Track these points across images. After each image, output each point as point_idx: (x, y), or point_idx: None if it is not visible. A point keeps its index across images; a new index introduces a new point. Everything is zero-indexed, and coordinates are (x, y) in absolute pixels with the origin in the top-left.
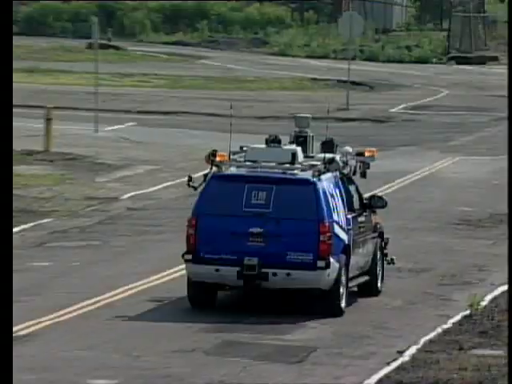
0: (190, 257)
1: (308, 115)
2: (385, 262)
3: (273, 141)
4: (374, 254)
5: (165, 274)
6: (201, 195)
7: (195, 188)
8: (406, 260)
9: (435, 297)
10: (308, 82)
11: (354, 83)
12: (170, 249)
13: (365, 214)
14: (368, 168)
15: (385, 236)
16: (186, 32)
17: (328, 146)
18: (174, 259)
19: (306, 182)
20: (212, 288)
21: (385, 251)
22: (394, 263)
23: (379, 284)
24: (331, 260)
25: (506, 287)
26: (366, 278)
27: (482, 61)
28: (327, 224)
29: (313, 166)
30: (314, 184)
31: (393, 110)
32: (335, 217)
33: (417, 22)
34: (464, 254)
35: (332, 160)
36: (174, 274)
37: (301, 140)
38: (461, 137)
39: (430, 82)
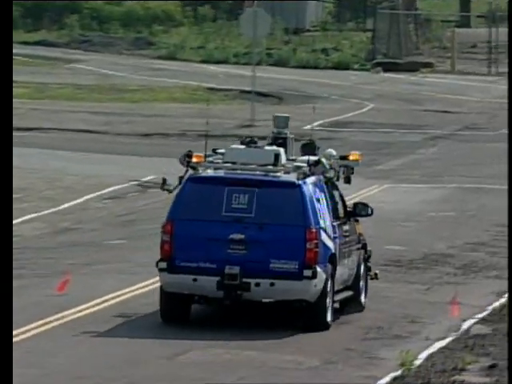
0: (164, 265)
1: (287, 115)
2: (368, 277)
3: (249, 143)
4: (358, 267)
5: (27, 328)
6: (176, 199)
7: (170, 191)
8: None
9: (359, 354)
10: (204, 93)
11: (259, 94)
12: (33, 296)
13: (349, 222)
14: (352, 173)
15: (367, 248)
16: (51, 29)
17: (309, 148)
18: (40, 307)
19: (291, 184)
20: (187, 300)
21: (368, 264)
22: (377, 278)
23: (363, 300)
24: (318, 269)
25: (443, 342)
26: (350, 293)
27: (413, 68)
28: (314, 230)
29: (298, 167)
30: (300, 187)
31: (307, 127)
32: (322, 223)
33: (335, 20)
34: (393, 302)
35: (318, 162)
36: (39, 329)
37: (280, 142)
38: (389, 160)
39: (352, 93)
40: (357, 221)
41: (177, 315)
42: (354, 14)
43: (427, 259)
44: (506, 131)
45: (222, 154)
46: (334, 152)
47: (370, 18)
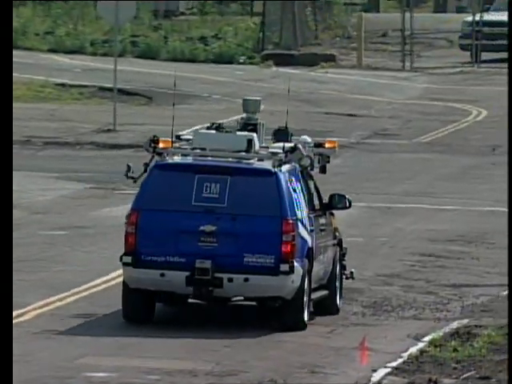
0: (129, 259)
1: (258, 98)
2: (343, 276)
3: (217, 128)
4: (334, 265)
5: None
6: (142, 188)
7: (135, 179)
8: (203, 357)
9: None
10: (53, 90)
11: (123, 92)
12: None
13: (324, 215)
14: (328, 162)
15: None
16: None
17: (282, 134)
18: None
19: (266, 172)
20: (152, 298)
21: (343, 263)
22: (353, 278)
23: (338, 301)
24: (295, 264)
25: None
26: (325, 292)
27: (311, 61)
28: (291, 222)
29: (273, 154)
30: (276, 175)
31: (182, 133)
32: (298, 214)
33: (216, 1)
34: (288, 348)
35: (294, 148)
36: None
37: (250, 128)
38: None
39: (237, 91)
40: (332, 214)
41: (140, 314)
42: None
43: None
44: (422, 140)
45: (188, 139)
46: (308, 139)
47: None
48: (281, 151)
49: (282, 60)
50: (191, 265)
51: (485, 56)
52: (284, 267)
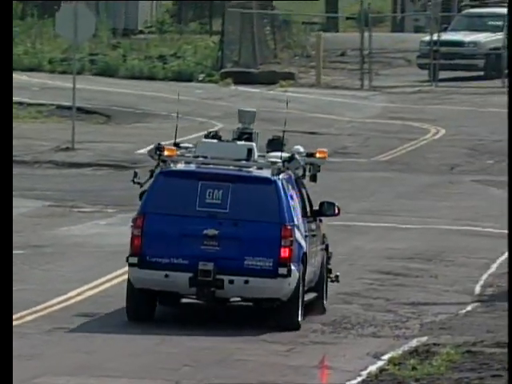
0: (135, 260)
1: (253, 109)
2: (329, 280)
3: (213, 137)
4: (322, 269)
5: None
6: (148, 193)
7: (141, 185)
8: (163, 376)
9: None
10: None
11: (81, 110)
12: None
13: (315, 221)
14: (318, 171)
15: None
16: None
17: (275, 144)
18: None
19: (266, 180)
20: (154, 298)
21: (329, 266)
22: (338, 281)
23: (325, 302)
24: (292, 267)
25: None
26: (315, 295)
27: (270, 79)
28: (289, 227)
29: (273, 163)
30: (275, 183)
31: (141, 151)
32: (295, 220)
33: (175, 20)
34: (247, 367)
35: (292, 158)
36: None
37: (245, 137)
38: None
39: (197, 109)
40: (320, 221)
41: (144, 313)
42: (198, 13)
43: None
44: (381, 158)
45: (186, 147)
46: (301, 149)
47: (218, 19)
48: (279, 160)
49: (241, 78)
50: (194, 266)
51: (442, 75)
52: (282, 270)
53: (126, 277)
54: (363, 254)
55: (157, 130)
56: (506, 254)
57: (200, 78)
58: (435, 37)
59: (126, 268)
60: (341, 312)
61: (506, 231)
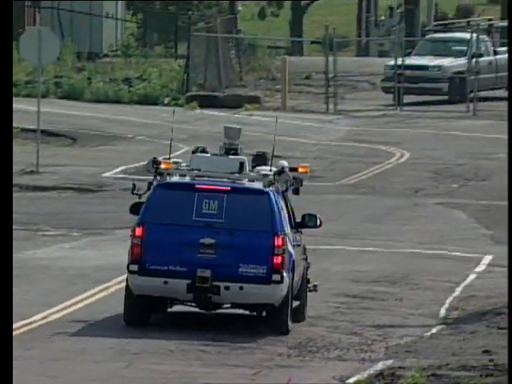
0: (135, 268)
1: (238, 126)
2: (307, 289)
3: (202, 152)
4: (303, 278)
5: None
6: (147, 204)
7: (140, 196)
8: None
9: None
10: None
11: (46, 133)
12: None
13: (298, 232)
14: (301, 185)
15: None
16: None
17: (260, 159)
18: None
19: (259, 191)
20: (152, 304)
21: (308, 276)
22: (316, 290)
23: (306, 310)
24: (284, 274)
25: None
26: (298, 302)
27: (236, 103)
28: (282, 237)
29: (265, 176)
30: (268, 194)
31: (106, 175)
32: (286, 230)
33: (140, 43)
34: None
35: (282, 171)
36: None
37: (232, 153)
38: None
39: (162, 132)
40: (301, 232)
41: (141, 318)
42: (163, 36)
43: (255, 337)
44: (346, 181)
45: (176, 162)
46: (285, 163)
47: (183, 42)
48: (270, 173)
49: (207, 102)
50: (192, 274)
51: (407, 99)
52: (276, 277)
53: (91, 300)
54: (329, 277)
55: (122, 152)
56: (471, 277)
57: (165, 102)
58: (399, 61)
59: (91, 291)
60: (306, 335)
61: (470, 254)
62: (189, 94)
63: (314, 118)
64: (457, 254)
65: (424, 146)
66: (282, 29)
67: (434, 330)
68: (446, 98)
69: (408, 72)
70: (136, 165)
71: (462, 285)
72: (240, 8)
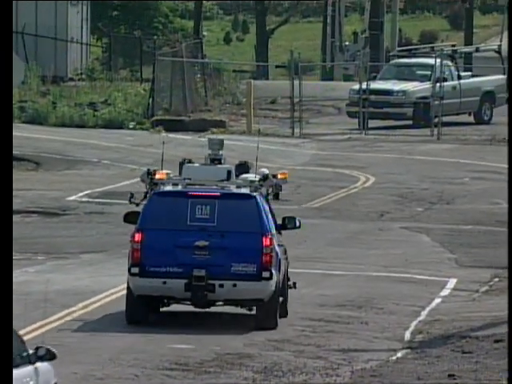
0: (136, 270)
1: (221, 138)
2: (287, 286)
3: (189, 163)
4: (285, 276)
5: None
6: (144, 211)
7: (137, 204)
8: None
9: None
10: None
11: None
12: None
13: (279, 233)
14: (281, 190)
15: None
16: None
17: (243, 167)
18: None
19: (247, 196)
20: (151, 304)
21: (288, 275)
22: (295, 287)
23: (287, 306)
24: (273, 271)
25: None
26: (282, 298)
27: (201, 127)
28: (270, 237)
29: (251, 182)
30: (255, 198)
31: (71, 199)
32: (272, 231)
33: (105, 68)
34: None
35: (266, 177)
36: None
37: (216, 162)
38: None
39: (127, 156)
40: (280, 233)
41: (142, 317)
42: (128, 60)
43: (220, 360)
44: (312, 205)
45: (168, 172)
46: (266, 171)
47: (148, 66)
48: (256, 179)
49: (172, 126)
50: (189, 273)
51: (372, 123)
52: (265, 274)
53: (57, 323)
54: (294, 301)
55: (87, 177)
56: (436, 301)
57: (130, 126)
58: (364, 85)
59: (58, 315)
60: (272, 359)
61: (435, 278)
62: (154, 118)
63: (280, 142)
64: (422, 277)
65: (389, 170)
66: (248, 53)
67: (399, 354)
68: (411, 122)
69: (373, 97)
70: (101, 189)
71: (427, 308)
72: (205, 33)
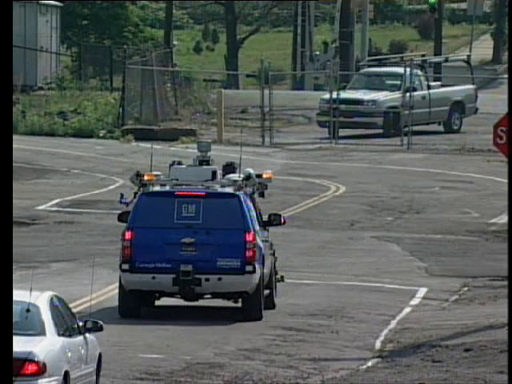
0: (127, 267)
1: (209, 140)
2: (275, 279)
3: (178, 164)
4: (271, 270)
5: None
6: (134, 211)
7: (127, 204)
8: None
9: None
10: None
11: None
12: None
13: (265, 230)
14: (266, 189)
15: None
16: None
17: (229, 168)
18: None
19: (231, 195)
20: (142, 298)
21: (275, 269)
22: (283, 281)
23: (275, 299)
24: (256, 265)
25: None
26: (267, 291)
27: (172, 136)
28: (252, 233)
29: (235, 181)
30: (238, 197)
31: (40, 208)
32: (255, 227)
33: (75, 76)
34: None
35: (249, 177)
36: None
37: (204, 164)
38: None
39: (98, 166)
40: (267, 230)
41: (134, 311)
42: (98, 69)
43: (190, 370)
44: (283, 214)
45: (156, 175)
46: (251, 171)
47: (118, 75)
48: (239, 179)
49: (143, 135)
50: (176, 269)
51: (342, 132)
52: (248, 268)
53: None
54: (265, 310)
55: (57, 186)
56: (406, 310)
57: (101, 135)
58: (334, 95)
59: None
60: (242, 368)
61: (405, 287)
62: (124, 127)
63: (250, 151)
64: (392, 286)
65: (359, 179)
66: (218, 63)
67: (369, 363)
68: (381, 131)
69: (343, 106)
70: (71, 198)
71: (397, 317)
72: (175, 42)
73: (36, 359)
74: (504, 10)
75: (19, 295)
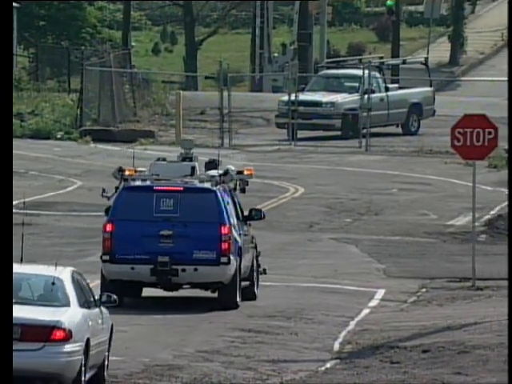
0: (107, 257)
1: (192, 138)
2: (258, 272)
3: (163, 160)
4: (252, 262)
5: None
6: (115, 204)
7: (108, 198)
8: None
9: None
10: None
11: None
12: None
13: (246, 224)
14: (247, 185)
15: (257, 249)
16: None
17: (211, 165)
18: None
19: (207, 190)
20: (126, 289)
21: (258, 262)
22: (266, 273)
23: (256, 290)
24: (231, 257)
25: None
26: (247, 283)
27: (130, 137)
28: (227, 226)
29: (212, 177)
30: (215, 192)
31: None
32: (232, 221)
33: (32, 77)
34: None
35: (226, 172)
36: None
37: (187, 160)
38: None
39: (55, 167)
40: (249, 225)
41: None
42: (56, 71)
43: (149, 372)
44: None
45: (141, 171)
46: (232, 167)
47: (76, 76)
48: (217, 175)
49: (101, 136)
50: (154, 260)
51: (301, 134)
52: (223, 259)
53: None
54: (224, 312)
55: (14, 187)
56: (365, 311)
57: (58, 136)
58: (293, 97)
59: None
60: (201, 370)
61: (364, 289)
62: (82, 128)
63: (209, 153)
64: (350, 288)
65: (318, 181)
66: (176, 64)
67: (328, 365)
68: (339, 133)
69: (301, 108)
70: (28, 200)
71: (356, 319)
72: (133, 43)
73: (63, 327)
74: (461, 12)
75: (44, 269)
